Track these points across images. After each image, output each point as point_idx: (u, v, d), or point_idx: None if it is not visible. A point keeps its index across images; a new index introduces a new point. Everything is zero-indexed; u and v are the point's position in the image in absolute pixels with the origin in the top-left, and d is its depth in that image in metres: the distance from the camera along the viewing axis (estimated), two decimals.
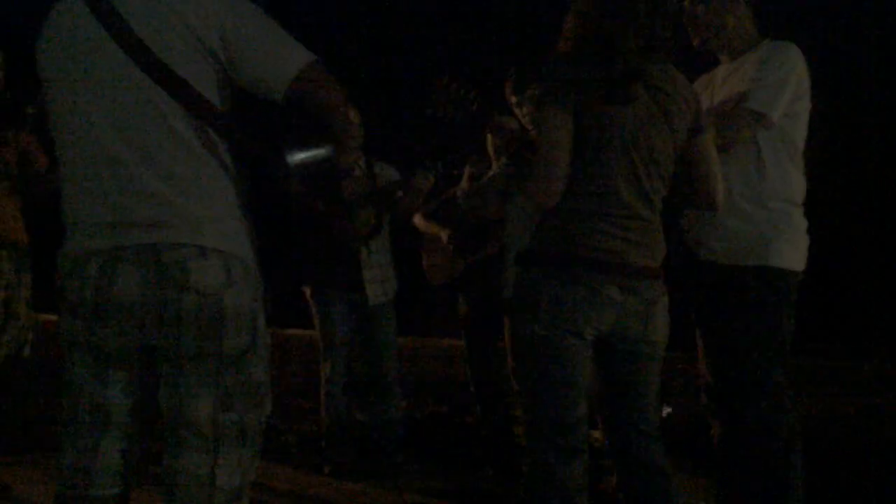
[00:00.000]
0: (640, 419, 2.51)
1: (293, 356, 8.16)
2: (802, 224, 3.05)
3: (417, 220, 4.77)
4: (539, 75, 2.44)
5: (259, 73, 2.02)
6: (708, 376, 3.13)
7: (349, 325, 4.79)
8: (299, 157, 2.23)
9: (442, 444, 5.22)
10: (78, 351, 2.05)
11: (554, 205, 2.39)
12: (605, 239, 2.38)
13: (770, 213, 2.97)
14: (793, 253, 2.99)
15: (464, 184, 4.26)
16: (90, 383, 2.05)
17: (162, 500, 2.06)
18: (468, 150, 4.22)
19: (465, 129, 2.81)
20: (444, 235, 4.62)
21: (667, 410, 4.34)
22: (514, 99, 3.88)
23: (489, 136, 4.12)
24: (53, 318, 2.12)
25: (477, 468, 4.87)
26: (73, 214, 2.05)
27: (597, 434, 3.95)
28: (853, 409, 8.01)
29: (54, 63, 2.04)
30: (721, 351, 3.06)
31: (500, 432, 4.63)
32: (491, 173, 4.04)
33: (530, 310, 2.40)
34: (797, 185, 3.04)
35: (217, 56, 1.99)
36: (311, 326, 4.96)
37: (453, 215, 4.55)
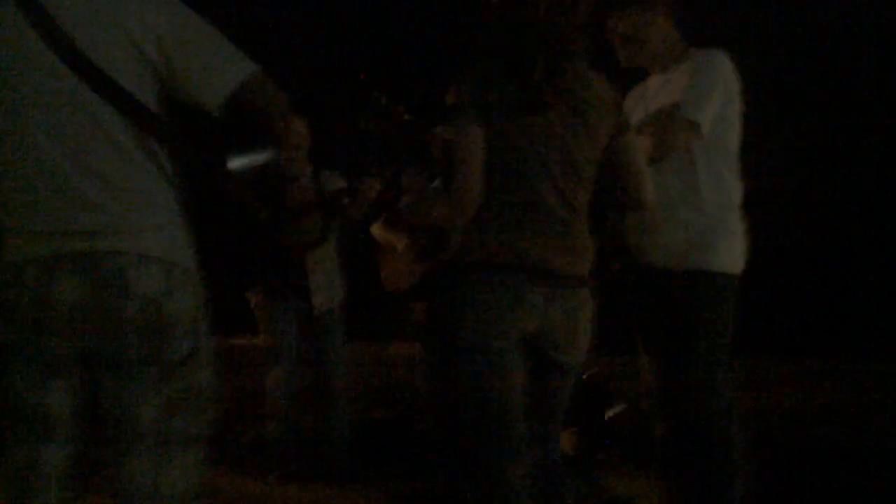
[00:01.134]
0: (544, 423, 2.55)
1: (238, 364, 8.09)
2: (739, 227, 3.11)
3: (374, 228, 4.77)
4: (451, 89, 2.45)
5: (197, 86, 2.02)
6: (650, 379, 3.17)
7: (295, 332, 4.77)
8: (241, 162, 2.22)
9: (390, 450, 5.21)
10: (17, 359, 2.02)
11: (473, 215, 2.41)
12: (529, 246, 2.41)
13: (706, 219, 3.02)
14: (730, 256, 3.05)
15: (405, 197, 4.28)
16: (30, 391, 2.02)
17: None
18: (404, 164, 4.24)
19: (397, 140, 2.83)
20: (400, 245, 4.60)
21: (612, 412, 4.39)
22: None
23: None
24: None
25: (425, 473, 4.88)
26: (11, 223, 2.02)
27: (565, 443, 4.01)
28: (801, 406, 8.16)
29: None
30: (661, 354, 3.10)
31: (450, 442, 4.63)
32: (434, 184, 4.06)
33: (457, 317, 2.42)
34: (733, 189, 3.09)
35: (155, 66, 1.98)
36: (257, 334, 4.94)
37: (409, 222, 4.55)
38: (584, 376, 4.44)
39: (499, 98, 2.39)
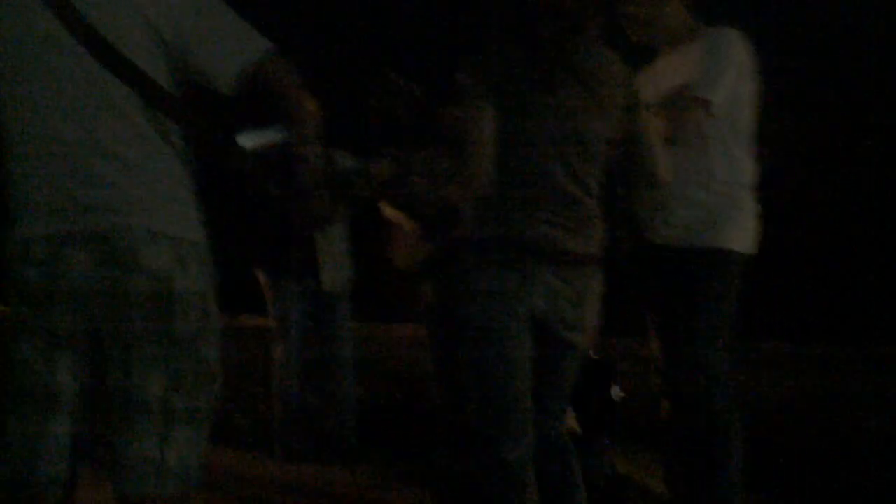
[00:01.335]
0: (551, 401, 2.56)
1: (246, 343, 8.13)
2: (752, 207, 3.10)
3: (385, 208, 4.76)
4: (461, 67, 2.45)
5: (210, 65, 2.02)
6: (658, 355, 3.19)
7: (302, 310, 4.79)
8: (252, 140, 2.23)
9: (395, 430, 5.24)
10: (26, 334, 2.03)
11: (483, 194, 2.41)
12: (540, 225, 2.41)
13: (718, 198, 3.02)
14: (741, 235, 3.05)
15: (416, 176, 4.26)
16: (38, 366, 2.03)
17: (111, 482, 2.06)
18: (414, 143, 4.22)
19: (408, 119, 2.82)
20: (409, 223, 4.59)
21: (619, 393, 4.39)
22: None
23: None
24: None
25: (431, 453, 4.90)
26: (21, 199, 2.03)
27: (571, 422, 4.01)
28: (798, 392, 8.18)
29: (2, 49, 2.01)
30: (668, 331, 3.12)
31: (457, 421, 4.64)
32: (444, 163, 4.05)
33: (466, 295, 2.43)
34: (745, 168, 3.09)
35: (168, 44, 1.99)
36: (265, 313, 4.95)
37: (420, 202, 4.53)
38: (592, 355, 4.44)
39: (509, 76, 2.39)
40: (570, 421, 4.19)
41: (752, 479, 3.07)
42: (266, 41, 2.06)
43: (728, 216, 3.02)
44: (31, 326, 2.01)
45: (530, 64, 2.40)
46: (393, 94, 2.67)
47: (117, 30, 1.94)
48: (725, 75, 2.97)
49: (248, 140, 2.18)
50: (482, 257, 2.42)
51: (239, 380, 6.48)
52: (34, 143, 1.98)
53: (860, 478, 4.46)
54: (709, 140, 3.02)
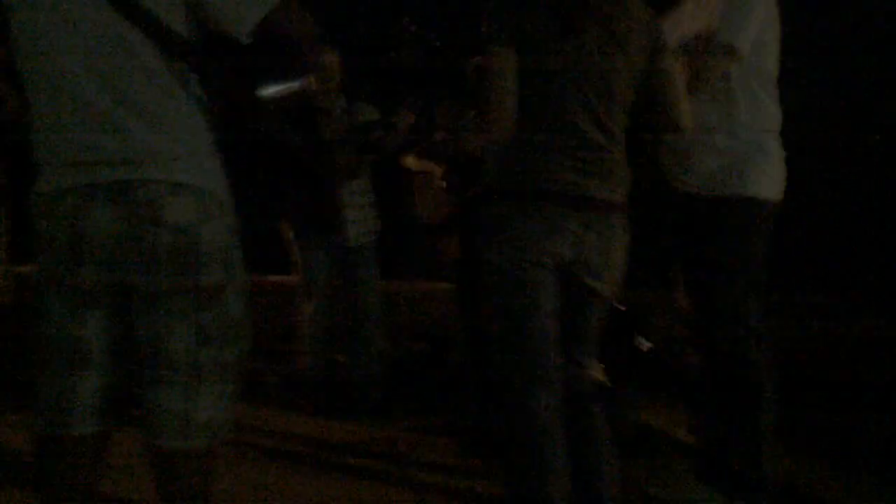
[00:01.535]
0: (577, 351, 2.55)
1: (273, 302, 8.17)
2: (778, 152, 3.06)
3: (410, 160, 4.74)
4: (484, 16, 2.42)
5: (227, 14, 2.00)
6: (686, 307, 3.17)
7: (329, 267, 4.80)
8: (273, 91, 2.21)
9: (424, 383, 5.26)
10: (53, 290, 2.04)
11: (508, 140, 2.39)
12: (563, 171, 2.39)
13: (743, 144, 2.98)
14: (768, 182, 3.01)
15: (439, 128, 4.24)
16: (66, 322, 2.04)
17: (142, 436, 2.08)
18: (436, 94, 4.19)
19: (429, 69, 2.80)
20: (438, 171, 4.55)
21: (645, 344, 4.38)
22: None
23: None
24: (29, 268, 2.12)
25: (459, 405, 4.92)
26: (45, 154, 2.03)
27: (598, 373, 4.01)
28: (832, 339, 8.13)
29: (21, 2, 2.01)
30: (697, 281, 3.09)
31: (486, 372, 4.65)
32: (467, 115, 4.03)
33: (493, 243, 2.42)
34: (771, 114, 3.04)
35: None
36: (292, 273, 4.97)
37: (444, 153, 4.51)
38: (619, 306, 4.43)
39: (532, 23, 2.36)
40: (597, 372, 4.20)
41: (782, 430, 3.06)
42: None
43: (754, 163, 2.98)
44: (59, 282, 2.02)
45: (553, 9, 2.37)
46: (412, 44, 2.65)
47: None
48: (750, 21, 2.91)
49: (269, 90, 2.16)
50: (506, 205, 2.41)
51: (267, 337, 6.53)
52: (56, 97, 1.98)
53: (888, 427, 4.44)
54: (733, 86, 2.97)
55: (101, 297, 2.03)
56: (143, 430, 2.06)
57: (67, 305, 2.03)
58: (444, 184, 4.47)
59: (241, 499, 3.25)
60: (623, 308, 4.49)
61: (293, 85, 2.12)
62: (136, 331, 2.04)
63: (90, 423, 2.08)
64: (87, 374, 2.06)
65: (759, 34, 2.94)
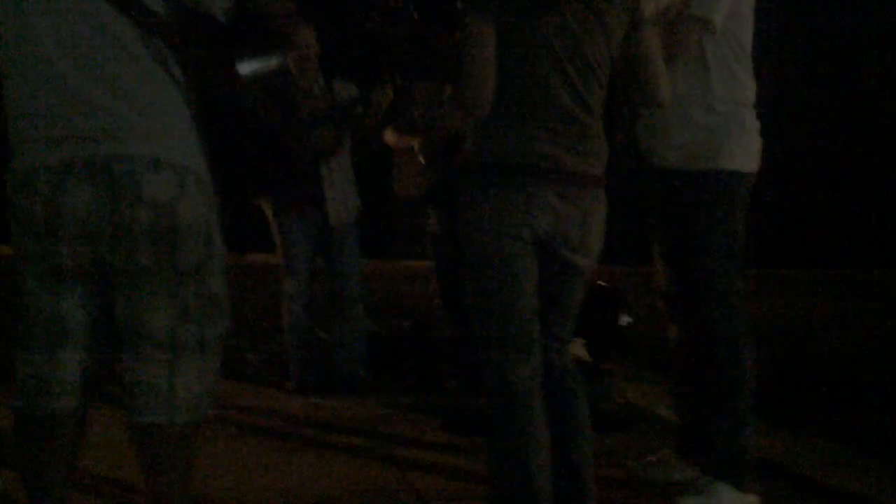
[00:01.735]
0: (557, 325, 2.56)
1: (255, 280, 8.16)
2: (754, 125, 3.06)
3: (388, 134, 4.72)
4: None
5: None
6: (664, 281, 3.18)
7: (310, 244, 4.79)
8: (250, 68, 2.20)
9: (406, 360, 5.27)
10: (32, 267, 2.04)
11: (486, 113, 2.39)
12: (541, 145, 2.39)
13: (719, 117, 2.98)
14: (744, 154, 3.01)
15: (417, 103, 4.24)
16: (45, 298, 2.04)
17: (124, 413, 2.08)
18: (415, 69, 4.18)
19: (407, 43, 2.79)
20: (415, 144, 4.53)
21: (627, 320, 4.41)
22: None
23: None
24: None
25: (442, 382, 4.95)
26: (21, 131, 2.01)
27: (579, 350, 4.03)
28: (810, 314, 8.21)
29: None
30: (675, 255, 3.10)
31: (467, 348, 4.67)
32: (446, 89, 4.02)
33: (472, 217, 2.43)
34: (746, 86, 3.04)
35: None
36: (273, 251, 4.96)
37: (422, 129, 4.49)
38: (600, 282, 4.45)
39: None
40: (579, 348, 4.23)
41: (763, 405, 3.09)
42: None
43: (730, 136, 2.98)
44: (37, 259, 2.02)
45: None
46: (391, 15, 2.64)
47: None
48: None
49: (247, 68, 2.15)
50: (485, 179, 2.41)
51: (249, 316, 6.53)
52: (33, 74, 1.97)
53: (870, 401, 4.49)
54: (709, 59, 2.97)
55: (80, 273, 2.02)
56: (125, 407, 2.07)
57: (46, 282, 2.03)
58: (422, 159, 4.46)
59: (223, 476, 3.26)
60: (604, 284, 4.52)
61: (271, 62, 2.11)
62: (115, 308, 2.04)
63: (70, 399, 2.08)
64: (66, 351, 2.06)
65: (735, 6, 2.94)
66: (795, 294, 9.83)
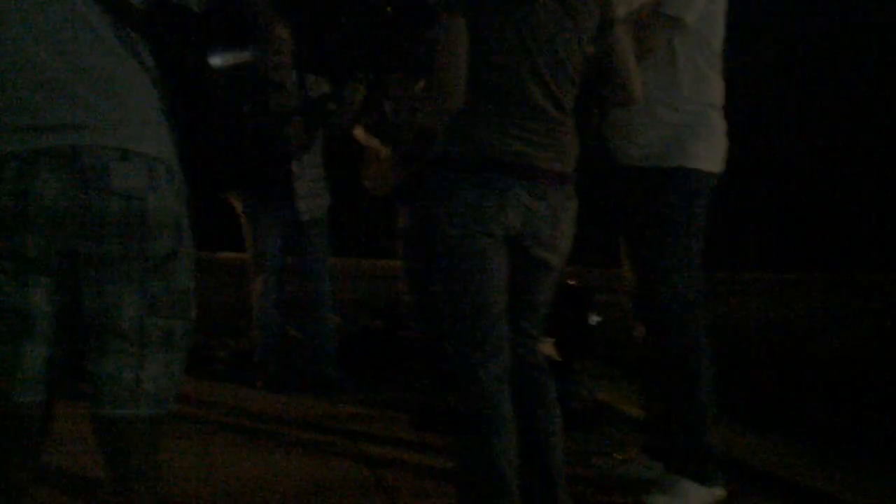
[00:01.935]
0: (527, 322, 2.58)
1: (226, 278, 8.13)
2: (720, 125, 3.09)
3: (358, 132, 4.71)
4: None
5: None
6: (630, 280, 3.20)
7: (280, 241, 4.78)
8: (223, 59, 2.19)
9: (376, 358, 5.27)
10: None
11: (458, 109, 2.40)
12: (513, 142, 2.41)
13: (686, 116, 3.00)
14: (709, 155, 3.04)
15: (390, 100, 4.23)
16: (10, 290, 2.01)
17: (89, 406, 2.06)
18: (387, 65, 4.17)
19: (380, 39, 2.79)
20: (383, 150, 4.53)
21: (596, 319, 4.43)
22: None
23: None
24: None
25: (412, 380, 4.94)
26: None
27: (548, 349, 4.03)
28: (770, 316, 8.28)
29: None
30: (640, 254, 3.12)
31: (437, 346, 4.66)
32: (418, 86, 4.01)
33: (443, 213, 2.43)
34: (714, 87, 3.07)
35: None
36: (243, 249, 4.94)
37: (392, 126, 4.48)
38: (569, 282, 4.47)
39: None
40: (548, 347, 4.24)
41: (730, 404, 3.12)
42: None
43: (696, 135, 3.01)
44: (2, 249, 1.99)
45: None
46: (363, 10, 2.64)
47: None
48: None
49: (219, 59, 2.14)
50: (456, 176, 2.42)
51: (218, 314, 6.50)
52: (2, 62, 1.94)
53: (837, 399, 4.55)
54: (678, 59, 2.99)
55: (47, 265, 2.00)
56: (90, 400, 2.04)
57: (11, 273, 2.00)
58: (393, 156, 4.45)
59: (191, 473, 3.24)
60: (574, 283, 4.53)
61: (244, 55, 2.10)
62: (82, 299, 2.02)
63: (34, 392, 2.05)
64: (32, 343, 2.03)
65: (707, 6, 2.96)
66: (765, 297, 9.91)
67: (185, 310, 2.09)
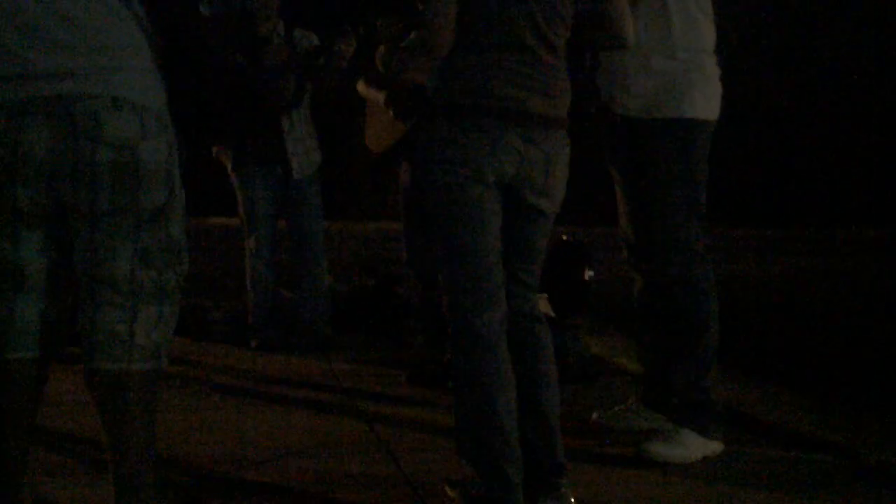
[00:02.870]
0: (522, 271, 2.55)
1: (218, 240, 8.10)
2: (715, 72, 3.06)
3: (359, 86, 4.61)
4: None
5: None
6: (628, 231, 3.18)
7: (272, 199, 4.74)
8: (214, 9, 2.16)
9: (370, 317, 5.26)
10: None
11: (446, 54, 2.37)
12: (505, 87, 2.38)
13: (680, 64, 2.97)
14: (705, 102, 3.01)
15: (381, 48, 4.15)
16: (2, 244, 1.99)
17: (83, 362, 2.04)
18: (378, 12, 4.08)
19: None
20: (381, 97, 4.43)
21: (590, 274, 4.42)
22: None
23: None
24: None
25: (407, 338, 4.94)
26: None
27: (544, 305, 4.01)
28: (764, 273, 8.32)
29: None
30: (637, 204, 3.10)
31: (433, 303, 4.63)
32: (409, 35, 3.95)
33: (435, 161, 2.41)
34: (706, 33, 3.04)
35: None
36: (235, 214, 4.90)
37: (386, 78, 4.38)
38: (564, 237, 4.45)
39: None
40: (543, 304, 4.22)
41: (727, 358, 3.11)
42: None
43: (691, 84, 2.98)
44: None
45: None
46: None
47: None
48: None
49: (209, 9, 2.10)
50: (449, 122, 2.39)
51: (212, 277, 6.48)
52: None
53: (835, 354, 4.57)
54: (670, 6, 2.95)
55: (39, 218, 1.97)
56: (84, 356, 2.02)
57: (3, 227, 1.98)
58: (392, 111, 4.36)
59: (187, 433, 3.23)
60: (568, 239, 4.52)
61: (233, 5, 2.06)
62: (74, 252, 1.99)
63: (28, 348, 2.04)
64: (24, 298, 2.02)
65: None
66: (750, 252, 9.95)
67: (177, 262, 2.07)
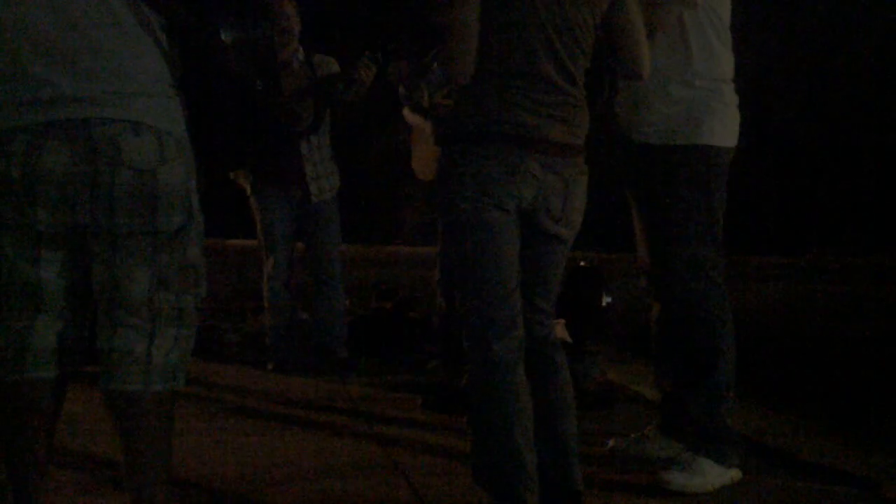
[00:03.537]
0: (539, 296, 2.56)
1: (236, 263, 8.14)
2: (733, 100, 3.07)
3: (406, 112, 4.63)
4: None
5: None
6: (646, 258, 3.18)
7: (290, 223, 4.76)
8: (234, 35, 2.18)
9: (387, 340, 5.26)
10: (7, 231, 2.00)
11: (469, 82, 2.39)
12: (524, 114, 2.39)
13: (698, 92, 2.98)
14: (723, 130, 3.01)
15: (404, 79, 4.18)
16: (22, 264, 2.01)
17: (100, 384, 2.05)
18: (406, 42, 4.12)
19: (393, 18, 2.76)
20: (427, 126, 4.45)
21: (607, 300, 4.42)
22: None
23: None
24: None
25: (423, 362, 4.93)
26: (1, 94, 1.97)
27: (561, 331, 4.01)
28: (787, 299, 8.27)
29: None
30: (655, 231, 3.10)
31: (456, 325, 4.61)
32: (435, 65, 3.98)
33: (454, 186, 2.41)
34: (725, 62, 3.04)
35: None
36: (253, 237, 4.92)
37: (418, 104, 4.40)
38: (581, 263, 4.45)
39: None
40: (560, 329, 4.22)
41: (746, 385, 3.09)
42: None
43: (709, 111, 2.98)
44: (13, 223, 1.98)
45: None
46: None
47: None
48: None
49: (231, 35, 2.13)
50: (468, 149, 2.40)
51: (230, 298, 6.50)
52: (14, 35, 1.94)
53: (845, 380, 4.53)
54: (689, 34, 2.96)
55: (57, 238, 1.99)
56: (101, 377, 2.04)
57: (22, 247, 1.99)
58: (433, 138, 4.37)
59: (203, 454, 3.23)
60: (585, 265, 4.52)
61: (257, 31, 2.08)
62: (93, 274, 2.01)
63: (46, 367, 2.05)
64: (42, 318, 2.03)
65: None
66: (774, 279, 9.91)
67: (194, 285, 2.09)
